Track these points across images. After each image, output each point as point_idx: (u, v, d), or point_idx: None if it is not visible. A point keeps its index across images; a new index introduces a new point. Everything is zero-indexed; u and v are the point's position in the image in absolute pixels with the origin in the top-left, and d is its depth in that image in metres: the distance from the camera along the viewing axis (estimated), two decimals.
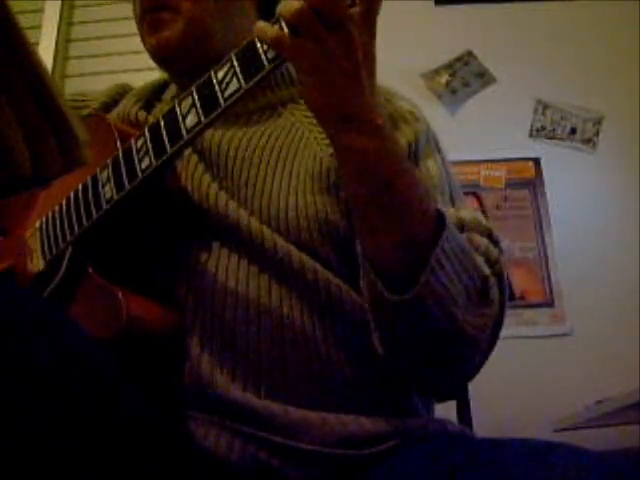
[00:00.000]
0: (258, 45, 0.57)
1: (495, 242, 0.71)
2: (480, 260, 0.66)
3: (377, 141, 0.57)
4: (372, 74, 0.57)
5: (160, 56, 0.81)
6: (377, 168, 0.58)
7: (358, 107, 0.56)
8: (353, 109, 0.56)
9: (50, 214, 0.72)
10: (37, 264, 0.71)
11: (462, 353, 0.65)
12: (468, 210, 0.74)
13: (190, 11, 0.77)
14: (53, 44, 2.23)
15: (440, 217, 0.61)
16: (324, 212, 0.70)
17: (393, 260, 0.60)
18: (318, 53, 0.54)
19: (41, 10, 2.28)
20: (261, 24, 0.56)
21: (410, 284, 0.58)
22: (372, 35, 0.56)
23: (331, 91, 0.55)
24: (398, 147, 0.60)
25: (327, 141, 0.74)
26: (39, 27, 2.24)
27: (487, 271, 0.66)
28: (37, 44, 2.20)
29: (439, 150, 0.79)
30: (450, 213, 0.68)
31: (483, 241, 0.69)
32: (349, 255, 0.71)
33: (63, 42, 2.28)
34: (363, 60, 0.55)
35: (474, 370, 0.68)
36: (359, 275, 0.71)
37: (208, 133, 0.75)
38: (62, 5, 2.30)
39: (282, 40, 0.54)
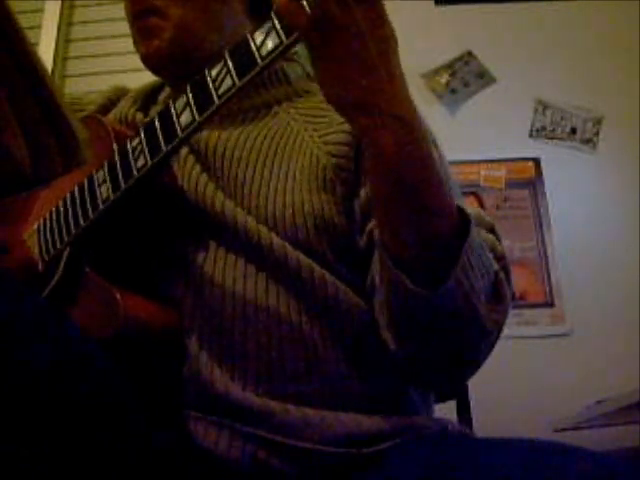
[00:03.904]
0: (251, 42, 0.57)
1: (498, 238, 0.71)
2: (490, 255, 0.66)
3: (401, 136, 0.55)
4: (394, 64, 0.54)
5: (151, 64, 0.81)
6: (401, 165, 0.56)
7: (379, 99, 0.53)
8: (373, 102, 0.54)
9: (48, 215, 0.72)
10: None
11: (478, 348, 0.64)
12: (469, 207, 0.74)
13: (178, 16, 0.77)
14: (53, 44, 2.23)
15: (460, 212, 0.60)
16: (320, 210, 0.70)
17: (416, 256, 0.58)
18: (333, 45, 0.52)
19: (41, 10, 2.28)
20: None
21: (432, 279, 0.57)
22: (385, 23, 0.53)
23: (348, 83, 0.53)
24: (426, 143, 0.57)
25: (323, 139, 0.74)
26: (39, 27, 2.24)
27: (496, 266, 0.66)
28: (37, 44, 2.20)
29: (436, 146, 0.79)
30: None
31: (489, 236, 0.69)
32: (346, 252, 0.71)
33: (63, 42, 2.28)
34: (381, 52, 0.53)
35: (480, 366, 0.68)
36: (357, 272, 0.71)
37: (204, 133, 0.75)
38: (62, 5, 2.31)
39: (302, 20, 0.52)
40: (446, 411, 1.07)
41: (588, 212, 2.27)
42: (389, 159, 0.55)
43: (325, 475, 0.63)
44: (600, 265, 2.17)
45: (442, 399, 1.15)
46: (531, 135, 2.36)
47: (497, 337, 0.65)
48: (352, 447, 0.63)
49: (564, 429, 1.77)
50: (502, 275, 0.65)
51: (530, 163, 2.32)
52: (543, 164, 2.32)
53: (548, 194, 2.27)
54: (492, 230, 0.71)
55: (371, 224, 0.70)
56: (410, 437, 0.65)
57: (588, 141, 2.36)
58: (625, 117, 2.33)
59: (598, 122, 2.37)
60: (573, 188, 2.29)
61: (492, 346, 0.65)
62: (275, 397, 0.64)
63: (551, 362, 2.05)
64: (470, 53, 2.38)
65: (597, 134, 2.36)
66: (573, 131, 2.36)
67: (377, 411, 0.67)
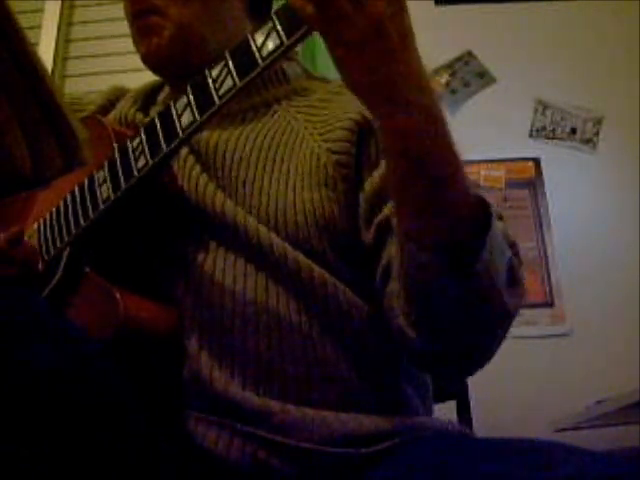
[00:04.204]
0: (252, 43, 0.57)
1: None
2: (504, 241, 0.65)
3: (422, 123, 0.54)
4: (413, 49, 0.53)
5: (151, 63, 0.81)
6: (422, 151, 0.55)
7: (400, 86, 0.53)
8: (395, 88, 0.53)
9: (48, 215, 0.72)
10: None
11: (501, 332, 0.64)
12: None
13: (178, 15, 0.77)
14: (53, 44, 2.22)
15: (476, 197, 0.59)
16: (321, 207, 0.71)
17: (439, 240, 0.58)
18: (346, 26, 0.51)
19: (41, 10, 2.27)
20: None
21: (456, 263, 0.57)
22: (403, 8, 0.52)
23: (368, 69, 0.52)
24: (446, 129, 0.57)
25: (323, 137, 0.74)
26: (39, 27, 2.24)
27: (509, 252, 0.65)
28: (37, 44, 2.20)
29: None
30: None
31: (500, 224, 0.69)
32: (347, 250, 0.71)
33: (63, 42, 2.27)
34: (396, 33, 0.52)
35: (494, 354, 0.67)
36: (358, 270, 0.71)
37: (204, 133, 0.75)
38: (62, 5, 2.30)
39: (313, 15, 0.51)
40: (446, 411, 1.07)
41: (588, 212, 2.27)
42: (410, 143, 0.55)
43: (325, 475, 0.63)
44: (600, 265, 2.17)
45: (442, 399, 1.15)
46: (531, 135, 2.36)
47: (515, 318, 0.65)
48: (352, 447, 0.63)
49: (564, 429, 1.78)
50: (515, 261, 0.65)
51: (530, 163, 2.32)
52: (543, 164, 2.32)
53: (548, 194, 2.28)
54: (501, 218, 0.71)
55: (380, 216, 0.69)
56: (410, 437, 0.65)
57: (588, 141, 2.36)
58: (625, 117, 2.33)
59: (598, 122, 2.37)
60: (573, 188, 2.30)
61: (505, 334, 0.65)
62: (275, 397, 0.65)
63: (551, 362, 2.05)
64: (470, 53, 2.38)
65: (597, 134, 2.36)
66: (573, 131, 2.36)
67: (377, 411, 0.67)
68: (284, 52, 0.56)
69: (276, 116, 0.78)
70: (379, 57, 0.51)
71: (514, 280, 0.63)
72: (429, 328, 0.63)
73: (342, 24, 0.50)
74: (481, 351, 0.65)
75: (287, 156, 0.74)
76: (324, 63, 1.81)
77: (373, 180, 0.71)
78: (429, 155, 0.55)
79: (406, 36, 0.52)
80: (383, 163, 0.70)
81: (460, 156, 0.57)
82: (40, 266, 0.71)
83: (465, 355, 0.66)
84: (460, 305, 0.60)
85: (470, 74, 2.37)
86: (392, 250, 0.67)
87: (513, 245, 0.66)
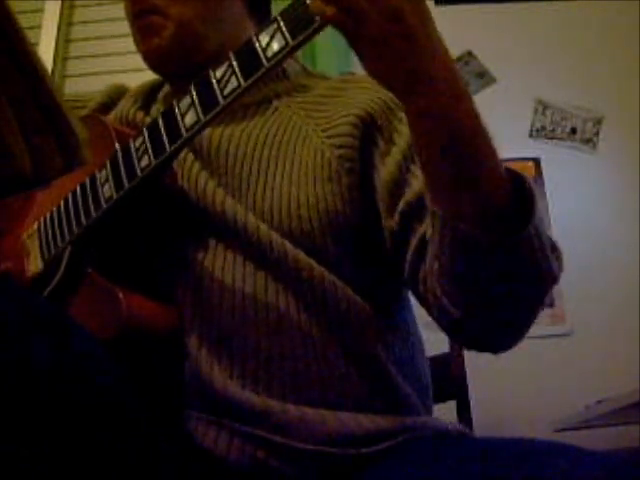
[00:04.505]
0: (257, 44, 0.57)
1: None
2: None
3: (451, 97, 0.54)
4: (430, 31, 0.54)
5: (152, 62, 0.81)
6: (454, 124, 0.55)
7: (424, 67, 0.53)
8: (420, 70, 0.53)
9: (48, 215, 0.72)
10: (35, 265, 0.71)
11: (544, 300, 0.64)
12: None
13: (179, 15, 0.77)
14: (53, 44, 2.22)
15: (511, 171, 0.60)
16: (325, 202, 0.71)
17: (476, 213, 0.58)
18: (364, 21, 0.51)
19: (41, 10, 2.27)
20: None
21: (506, 226, 0.57)
22: None
23: (391, 58, 0.52)
24: (471, 100, 0.57)
25: (326, 132, 0.74)
26: (39, 27, 2.24)
27: None
28: (37, 44, 2.20)
29: None
30: None
31: None
32: (351, 246, 0.71)
33: (63, 42, 2.28)
34: (414, 20, 0.52)
35: (538, 314, 0.66)
36: (361, 267, 0.71)
37: (205, 131, 0.75)
38: (62, 5, 2.30)
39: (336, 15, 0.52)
40: (446, 411, 1.07)
41: (588, 212, 2.27)
42: (442, 121, 0.55)
43: (325, 475, 0.63)
44: (600, 265, 2.17)
45: (442, 399, 1.15)
46: (531, 135, 2.36)
47: (558, 280, 0.64)
48: (352, 447, 0.63)
49: (564, 429, 1.78)
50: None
51: (530, 163, 2.32)
52: (543, 164, 2.32)
53: (548, 194, 2.27)
54: None
55: (402, 203, 0.69)
56: (410, 437, 0.65)
57: (588, 141, 2.36)
58: (625, 117, 2.34)
59: (598, 122, 2.37)
60: (573, 188, 2.30)
61: (545, 302, 0.65)
62: (274, 396, 0.65)
63: (551, 362, 2.05)
64: (470, 53, 2.38)
65: (597, 134, 2.36)
66: (573, 131, 2.37)
67: (377, 411, 0.67)
68: (289, 53, 0.56)
69: (277, 112, 0.78)
70: (401, 46, 0.52)
71: (553, 245, 0.63)
72: (474, 304, 0.62)
73: (362, 21, 0.51)
74: (525, 322, 0.65)
75: (290, 152, 0.74)
76: (324, 62, 1.81)
77: (388, 169, 0.71)
78: (459, 129, 0.55)
79: (425, 20, 0.53)
80: (395, 151, 0.71)
81: (486, 126, 0.58)
82: (41, 265, 0.71)
83: (511, 325, 0.65)
84: (507, 273, 0.59)
85: (470, 74, 2.37)
86: (421, 233, 0.67)
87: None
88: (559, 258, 0.63)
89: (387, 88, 0.57)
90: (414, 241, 0.68)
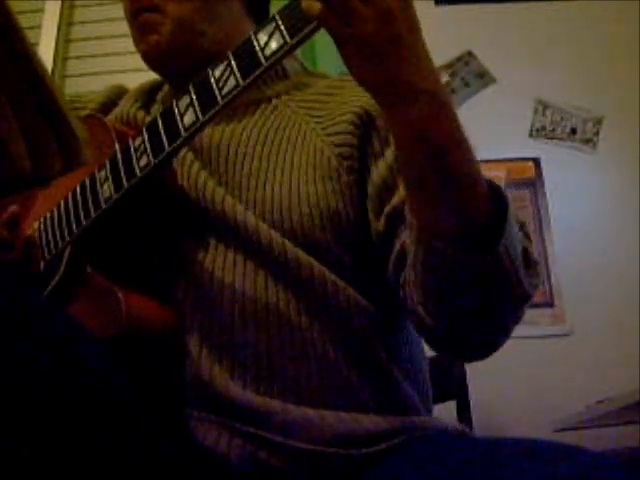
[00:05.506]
0: (255, 43, 0.57)
1: None
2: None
3: (432, 108, 0.54)
4: (419, 38, 0.54)
5: (151, 60, 0.81)
6: (434, 135, 0.55)
7: (408, 75, 0.53)
8: (403, 78, 0.53)
9: (49, 215, 0.72)
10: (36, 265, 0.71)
11: (518, 311, 0.64)
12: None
13: (177, 12, 0.77)
14: (53, 44, 2.22)
15: (488, 182, 0.59)
16: (326, 199, 0.71)
17: (455, 224, 0.58)
18: (359, 22, 0.51)
19: (41, 10, 2.27)
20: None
21: (473, 247, 0.57)
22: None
23: (377, 62, 0.53)
24: (454, 112, 0.57)
25: (325, 131, 0.74)
26: (39, 27, 2.24)
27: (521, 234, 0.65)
28: (37, 44, 2.20)
29: None
30: None
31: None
32: (352, 244, 0.71)
33: (63, 42, 2.28)
34: (404, 24, 0.52)
35: (510, 334, 0.66)
36: (363, 265, 0.71)
37: (205, 130, 0.75)
38: (62, 5, 2.30)
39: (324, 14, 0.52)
40: (446, 411, 1.07)
41: (588, 212, 2.27)
42: (421, 131, 0.55)
43: (325, 475, 0.63)
44: (600, 265, 2.17)
45: (442, 399, 1.15)
46: (531, 135, 2.36)
47: (526, 305, 0.64)
48: (352, 447, 0.63)
49: (564, 429, 1.78)
50: (526, 242, 0.65)
51: (530, 163, 2.32)
52: (543, 164, 2.32)
53: (548, 194, 2.28)
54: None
55: (389, 206, 0.69)
56: (410, 437, 0.65)
57: (588, 141, 2.36)
58: (625, 117, 2.34)
59: (598, 122, 2.37)
60: (573, 188, 2.30)
61: (522, 316, 0.65)
62: (275, 396, 0.64)
63: (551, 362, 2.05)
64: (470, 53, 2.38)
65: (597, 134, 2.36)
66: (573, 131, 2.37)
67: (377, 411, 0.67)
68: (288, 52, 0.56)
69: (277, 111, 0.78)
70: (388, 50, 0.52)
71: (529, 260, 0.63)
72: (447, 316, 0.63)
73: (351, 20, 0.51)
74: (499, 334, 0.65)
75: (290, 150, 0.74)
76: (324, 62, 1.80)
77: (379, 171, 0.71)
78: (440, 142, 0.55)
79: (414, 27, 0.53)
80: (388, 153, 0.71)
81: (469, 139, 0.58)
82: (41, 265, 0.71)
83: (484, 338, 0.66)
84: (478, 290, 0.60)
85: (470, 74, 2.37)
86: (405, 239, 0.67)
87: (522, 225, 0.66)
88: (535, 275, 0.63)
89: (369, 92, 0.57)
90: (397, 245, 0.68)
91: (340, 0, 0.50)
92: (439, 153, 0.56)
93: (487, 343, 0.66)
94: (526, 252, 0.63)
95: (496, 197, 0.59)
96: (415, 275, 0.63)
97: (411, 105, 0.54)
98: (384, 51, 0.52)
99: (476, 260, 0.57)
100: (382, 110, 0.58)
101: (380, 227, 0.70)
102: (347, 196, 0.72)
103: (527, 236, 0.66)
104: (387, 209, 0.70)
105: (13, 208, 0.73)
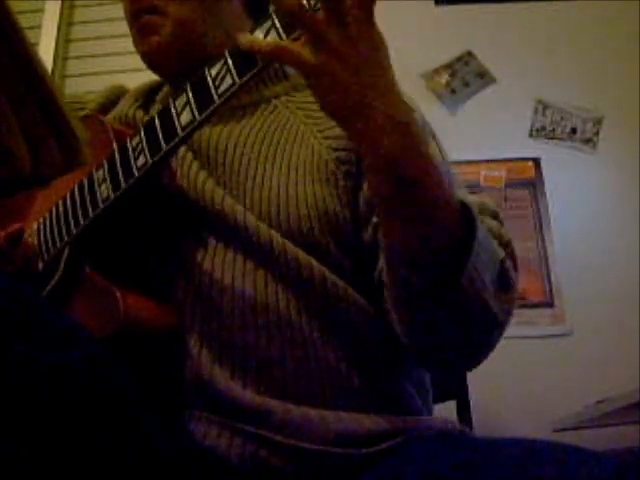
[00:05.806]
0: None
1: (502, 224, 0.71)
2: (495, 243, 0.65)
3: (399, 138, 0.54)
4: (385, 68, 0.54)
5: (152, 61, 0.81)
6: (401, 165, 0.55)
7: (375, 103, 0.53)
8: (370, 105, 0.53)
9: (47, 215, 0.72)
10: (35, 265, 0.71)
11: (491, 338, 0.65)
12: (470, 196, 0.74)
13: (177, 13, 0.78)
14: (53, 44, 2.23)
15: (463, 205, 0.59)
16: (323, 201, 0.71)
17: (421, 253, 0.58)
18: (320, 53, 0.52)
19: (41, 10, 2.28)
20: (245, 37, 0.55)
21: (441, 275, 0.57)
22: (372, 24, 0.53)
23: (342, 91, 0.53)
24: (423, 142, 0.57)
25: (323, 133, 0.74)
26: (39, 27, 2.24)
27: (502, 254, 0.65)
28: (37, 44, 2.20)
29: (434, 136, 0.79)
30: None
31: (493, 223, 0.69)
32: (350, 245, 0.71)
33: (63, 42, 2.28)
34: (370, 54, 0.53)
35: (492, 350, 0.67)
36: (362, 266, 0.71)
37: (203, 130, 0.75)
38: (62, 5, 2.31)
39: (280, 49, 0.54)
40: (446, 411, 1.07)
41: (588, 212, 2.26)
42: (388, 161, 0.55)
43: (325, 475, 0.63)
44: (600, 265, 2.17)
45: (442, 399, 1.15)
46: (531, 135, 2.36)
47: (508, 323, 0.65)
48: (353, 447, 0.63)
49: (564, 429, 1.77)
50: (508, 263, 0.65)
51: (530, 163, 2.31)
52: (543, 164, 2.31)
53: (548, 194, 2.27)
54: (496, 216, 0.71)
55: (376, 217, 0.70)
56: (410, 437, 0.65)
57: (588, 141, 2.36)
58: (625, 117, 2.33)
59: (598, 122, 2.36)
60: (573, 188, 2.29)
61: (504, 331, 0.65)
62: (275, 396, 0.65)
63: (551, 362, 2.05)
64: (470, 53, 2.38)
65: (597, 134, 2.36)
66: (573, 131, 2.36)
67: (377, 411, 0.67)
68: None
69: (276, 112, 0.79)
70: (353, 77, 0.53)
71: (506, 285, 0.64)
72: (418, 338, 0.65)
73: (337, 60, 0.52)
74: (474, 356, 0.67)
75: (288, 151, 0.74)
76: None
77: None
78: (409, 167, 0.55)
79: (378, 53, 0.54)
80: None
81: (439, 167, 0.58)
82: (40, 266, 0.71)
83: (460, 358, 0.68)
84: (445, 319, 0.61)
85: (470, 74, 2.37)
86: None
87: (507, 244, 0.67)
88: (508, 299, 0.64)
89: (337, 120, 0.57)
90: (382, 258, 0.68)
91: (323, 41, 0.52)
92: (405, 182, 0.56)
93: (462, 361, 0.69)
94: (504, 274, 0.63)
95: (469, 221, 0.59)
96: (389, 294, 0.65)
97: (376, 133, 0.54)
98: (349, 80, 0.53)
99: (439, 292, 0.58)
100: (350, 140, 0.59)
101: (367, 237, 0.71)
102: (344, 201, 0.72)
103: (511, 254, 0.66)
104: (374, 219, 0.70)
105: (18, 225, 0.73)
